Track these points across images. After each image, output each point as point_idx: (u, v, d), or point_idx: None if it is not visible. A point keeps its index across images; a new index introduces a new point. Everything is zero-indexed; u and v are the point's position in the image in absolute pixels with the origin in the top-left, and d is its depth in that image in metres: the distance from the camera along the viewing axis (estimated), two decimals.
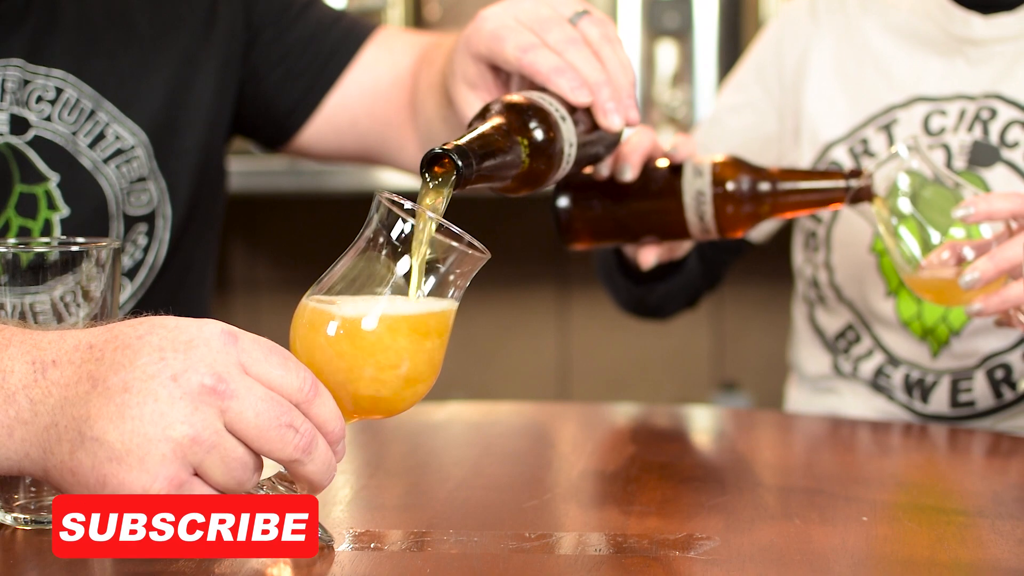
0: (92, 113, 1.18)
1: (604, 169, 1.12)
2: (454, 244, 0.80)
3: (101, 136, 1.18)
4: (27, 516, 0.85)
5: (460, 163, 0.86)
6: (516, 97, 0.96)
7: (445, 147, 0.86)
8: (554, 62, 1.01)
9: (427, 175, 0.86)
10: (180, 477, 0.72)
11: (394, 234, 0.80)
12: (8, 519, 0.86)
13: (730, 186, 1.10)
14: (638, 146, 1.12)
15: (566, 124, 0.97)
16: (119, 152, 1.19)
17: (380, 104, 1.32)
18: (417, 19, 2.93)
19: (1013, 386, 1.28)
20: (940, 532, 0.86)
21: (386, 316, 0.79)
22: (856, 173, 1.10)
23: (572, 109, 0.99)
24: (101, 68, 1.19)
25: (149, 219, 1.21)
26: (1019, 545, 0.83)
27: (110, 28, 1.21)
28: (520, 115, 0.94)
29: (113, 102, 1.19)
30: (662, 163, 1.13)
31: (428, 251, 0.80)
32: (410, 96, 1.30)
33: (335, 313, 0.80)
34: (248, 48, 1.30)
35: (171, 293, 1.26)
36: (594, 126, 1.01)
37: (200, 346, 0.73)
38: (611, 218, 1.14)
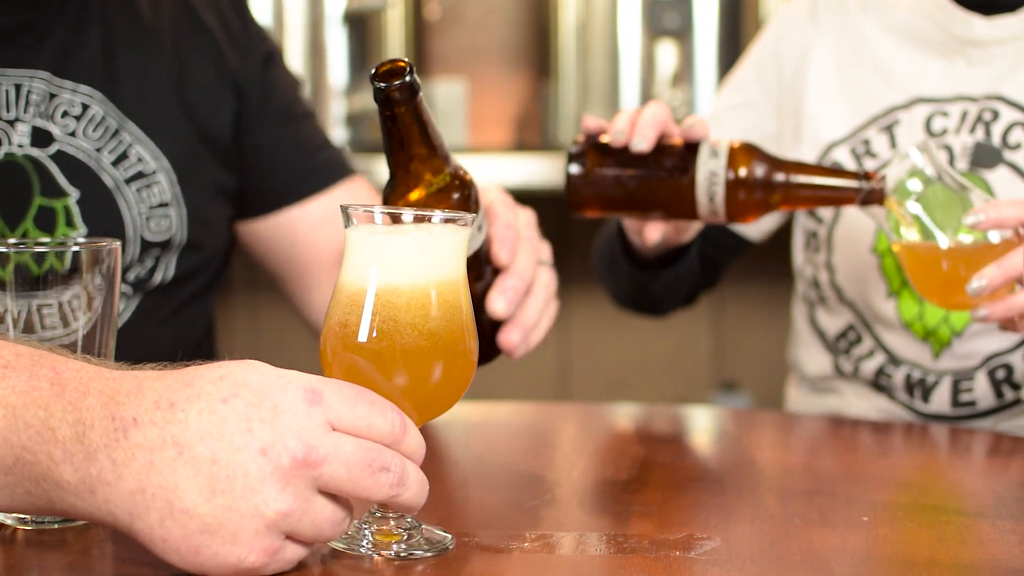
0: (117, 132, 1.18)
1: (619, 138, 1.12)
2: (433, 223, 0.81)
3: (124, 156, 1.18)
4: (28, 516, 0.85)
5: (410, 76, 0.90)
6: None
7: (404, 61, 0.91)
8: (510, 240, 1.06)
9: (376, 77, 0.90)
10: (274, 546, 0.72)
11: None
12: (8, 519, 0.85)
13: (744, 171, 1.10)
14: (653, 119, 1.11)
15: (479, 230, 1.01)
16: (140, 175, 1.19)
17: (323, 245, 1.33)
18: (417, 19, 2.94)
19: (1015, 387, 1.28)
20: (940, 532, 0.86)
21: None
22: (869, 175, 1.10)
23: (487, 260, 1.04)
24: (127, 88, 1.19)
25: (164, 246, 1.21)
26: (1019, 545, 0.83)
27: (137, 48, 1.21)
28: (463, 181, 0.99)
29: (137, 123, 1.19)
30: (677, 140, 1.13)
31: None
32: None
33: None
34: (253, 110, 1.31)
35: (178, 304, 1.26)
36: (483, 275, 1.05)
37: (286, 412, 0.72)
38: (621, 189, 1.14)
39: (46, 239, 0.89)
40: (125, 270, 1.18)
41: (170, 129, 1.21)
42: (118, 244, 0.88)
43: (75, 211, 1.16)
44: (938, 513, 0.92)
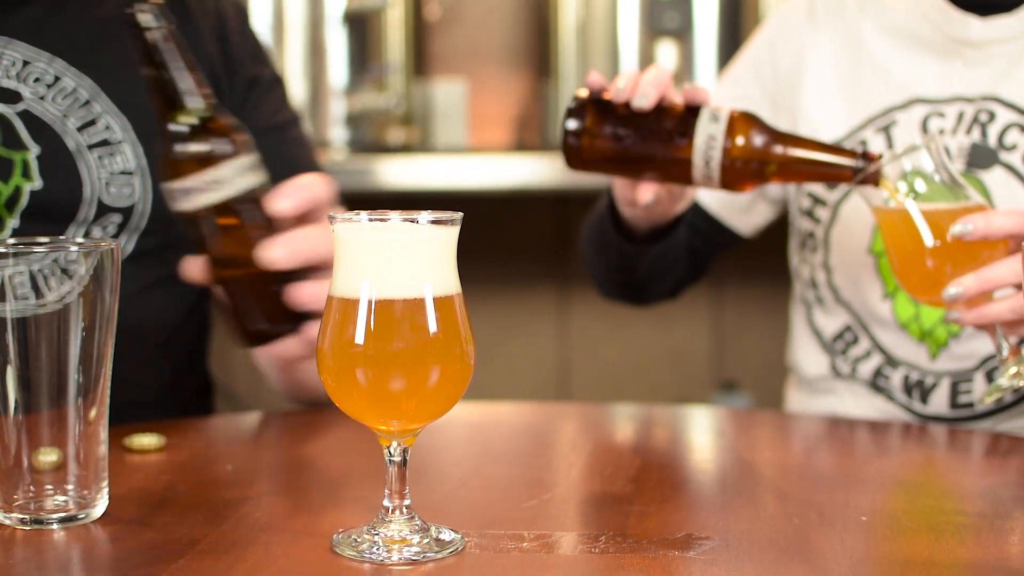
0: (87, 103, 1.21)
1: (621, 95, 1.12)
2: (418, 225, 0.81)
3: (92, 123, 1.22)
4: (27, 516, 0.85)
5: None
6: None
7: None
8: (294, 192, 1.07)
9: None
10: None
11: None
12: (8, 519, 0.86)
13: (742, 139, 1.10)
14: (656, 79, 1.11)
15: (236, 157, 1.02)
16: (105, 143, 1.22)
17: None
18: (417, 19, 2.93)
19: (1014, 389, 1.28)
20: (939, 532, 0.86)
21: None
22: (869, 155, 1.09)
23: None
24: (103, 62, 1.23)
25: (126, 213, 1.23)
26: (1018, 545, 0.83)
27: (115, 26, 1.24)
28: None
29: (110, 97, 1.22)
30: (678, 104, 1.13)
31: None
32: None
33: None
34: (237, 103, 1.34)
35: (165, 273, 1.28)
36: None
37: None
38: (619, 147, 1.14)
39: (45, 239, 0.89)
40: (86, 235, 1.22)
41: (143, 106, 1.23)
42: (118, 243, 0.88)
43: (33, 165, 1.19)
44: (936, 513, 0.92)
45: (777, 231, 1.52)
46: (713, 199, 1.45)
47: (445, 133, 2.99)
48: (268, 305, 1.06)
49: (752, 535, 0.85)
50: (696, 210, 1.44)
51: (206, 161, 1.01)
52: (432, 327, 0.80)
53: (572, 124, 1.14)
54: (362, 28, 2.87)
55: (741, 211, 1.46)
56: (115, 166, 1.22)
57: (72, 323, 0.86)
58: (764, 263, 2.15)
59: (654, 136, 1.13)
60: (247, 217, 1.03)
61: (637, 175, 1.18)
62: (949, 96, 1.32)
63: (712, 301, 2.88)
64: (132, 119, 1.23)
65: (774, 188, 1.44)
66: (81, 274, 0.86)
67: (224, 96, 1.34)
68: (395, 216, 0.81)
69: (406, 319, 0.79)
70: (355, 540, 0.81)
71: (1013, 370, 1.10)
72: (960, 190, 1.10)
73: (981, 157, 1.29)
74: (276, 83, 1.40)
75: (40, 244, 0.87)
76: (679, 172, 1.13)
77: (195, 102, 1.02)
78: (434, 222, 0.81)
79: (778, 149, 1.10)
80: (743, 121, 1.11)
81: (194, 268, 1.08)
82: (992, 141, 1.28)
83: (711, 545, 0.82)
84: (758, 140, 1.10)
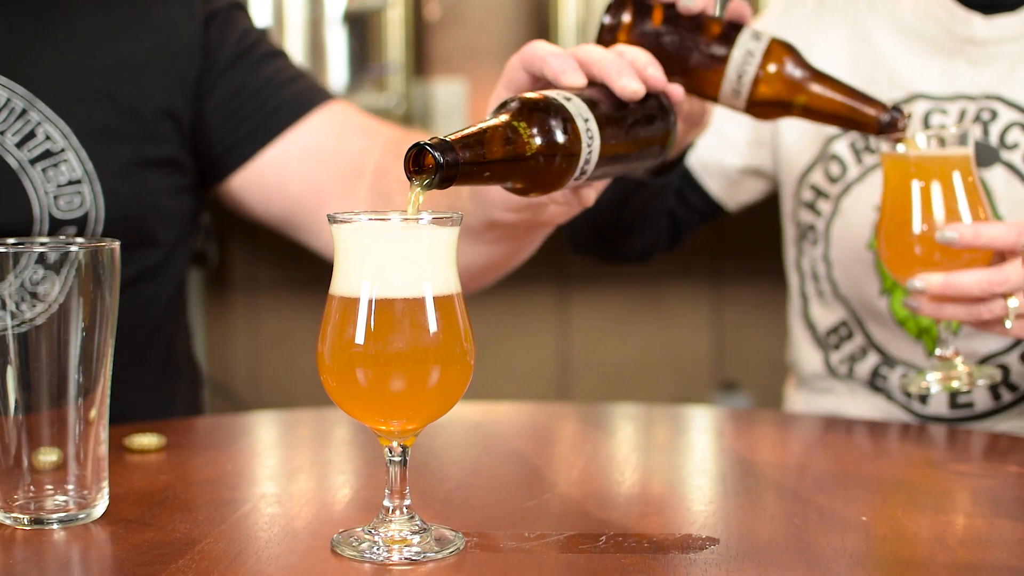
0: (24, 112, 1.18)
1: None
2: (418, 225, 0.81)
3: (31, 135, 1.18)
4: (27, 516, 0.85)
5: (441, 158, 0.82)
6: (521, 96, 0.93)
7: (428, 143, 0.82)
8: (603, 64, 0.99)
9: (411, 176, 0.82)
10: None
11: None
12: (8, 519, 0.86)
13: (777, 65, 1.09)
14: None
15: (572, 103, 0.92)
16: (48, 154, 1.18)
17: (318, 172, 1.31)
18: (417, 19, 2.94)
19: (1012, 388, 1.28)
20: (939, 532, 0.86)
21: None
22: (899, 110, 1.09)
23: (592, 102, 0.95)
24: (35, 68, 1.19)
25: (80, 223, 1.20)
26: (1019, 545, 0.83)
27: (46, 28, 1.21)
28: (521, 106, 0.90)
29: (46, 102, 1.19)
30: (720, 19, 1.12)
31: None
32: (354, 176, 1.30)
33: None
34: (201, 75, 1.30)
35: (138, 270, 1.27)
36: (621, 103, 0.98)
37: None
38: (655, 42, 1.12)
39: (45, 239, 0.89)
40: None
41: (83, 106, 1.21)
42: (117, 244, 0.88)
43: None
44: (937, 513, 0.92)
45: (779, 231, 1.52)
46: (703, 169, 1.45)
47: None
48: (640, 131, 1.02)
49: (752, 535, 0.85)
50: (685, 177, 1.44)
51: (567, 135, 0.91)
52: (432, 327, 0.80)
53: (609, 19, 1.12)
54: (362, 28, 2.87)
55: (730, 184, 1.46)
56: (61, 178, 1.19)
57: (72, 323, 0.86)
58: (764, 263, 2.15)
59: (693, 40, 1.11)
60: (608, 110, 0.97)
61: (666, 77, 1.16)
62: (951, 94, 1.32)
63: (712, 301, 2.88)
64: (72, 123, 1.20)
65: (767, 166, 1.44)
66: (81, 271, 0.86)
67: (178, 49, 1.29)
68: (395, 216, 0.81)
69: (406, 319, 0.79)
70: (355, 540, 0.81)
71: (960, 369, 1.12)
72: (974, 191, 1.10)
73: (982, 156, 1.29)
74: (233, 8, 1.36)
75: (41, 244, 0.87)
76: (709, 83, 1.11)
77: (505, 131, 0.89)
78: (434, 222, 0.81)
79: (811, 84, 1.09)
80: (783, 48, 1.10)
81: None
82: (994, 140, 1.29)
83: (711, 545, 0.82)
84: (794, 70, 1.09)
